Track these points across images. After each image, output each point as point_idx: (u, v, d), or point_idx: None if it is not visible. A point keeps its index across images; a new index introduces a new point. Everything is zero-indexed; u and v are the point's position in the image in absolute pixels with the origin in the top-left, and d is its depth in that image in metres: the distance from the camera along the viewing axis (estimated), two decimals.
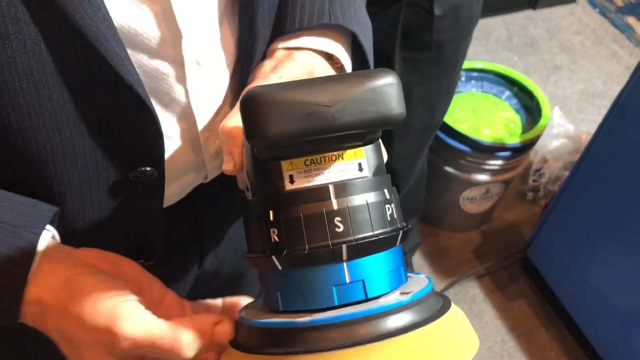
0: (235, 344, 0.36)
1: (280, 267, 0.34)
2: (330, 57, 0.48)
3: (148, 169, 0.45)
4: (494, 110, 1.66)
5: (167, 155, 0.46)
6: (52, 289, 0.37)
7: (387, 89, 0.32)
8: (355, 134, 0.33)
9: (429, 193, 1.65)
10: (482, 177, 1.63)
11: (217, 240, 0.67)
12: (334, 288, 0.34)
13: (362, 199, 0.34)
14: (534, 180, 1.96)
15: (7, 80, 0.36)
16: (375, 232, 0.34)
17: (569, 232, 1.50)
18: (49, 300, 0.37)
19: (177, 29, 0.42)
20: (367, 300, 0.34)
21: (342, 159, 0.34)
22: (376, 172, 0.36)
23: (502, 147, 1.54)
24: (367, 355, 0.31)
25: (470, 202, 1.72)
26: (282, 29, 0.47)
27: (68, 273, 0.38)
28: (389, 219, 0.35)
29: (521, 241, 1.82)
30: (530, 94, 1.66)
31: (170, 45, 0.43)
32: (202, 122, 0.48)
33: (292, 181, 0.34)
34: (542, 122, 1.59)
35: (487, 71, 1.71)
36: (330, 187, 0.34)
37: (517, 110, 1.68)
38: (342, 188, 0.34)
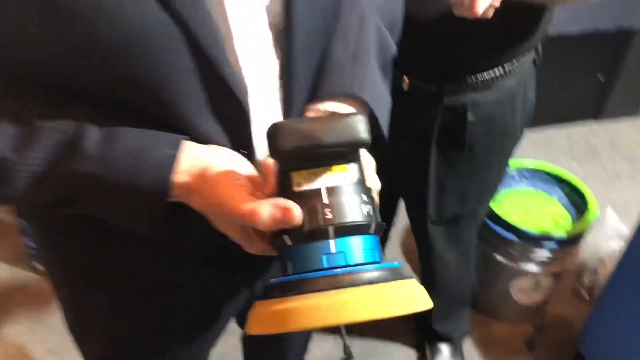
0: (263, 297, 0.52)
1: (289, 243, 0.52)
2: None
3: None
4: (544, 205, 1.77)
5: None
6: (192, 175, 0.55)
7: (357, 123, 0.51)
8: (339, 153, 0.52)
9: (481, 281, 1.74)
10: (531, 268, 1.71)
11: (268, 267, 0.82)
12: (323, 256, 0.51)
13: (345, 197, 0.52)
14: (590, 280, 2.00)
15: (171, 75, 0.54)
16: (353, 220, 0.51)
17: (621, 328, 1.54)
18: (190, 183, 0.55)
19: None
20: (347, 266, 0.51)
21: (332, 171, 0.52)
22: (357, 182, 0.53)
23: (548, 238, 1.63)
24: (342, 294, 0.47)
25: (521, 292, 1.79)
26: (315, 95, 0.66)
27: (205, 162, 0.56)
28: (365, 213, 0.52)
29: (574, 336, 1.84)
30: (579, 193, 1.77)
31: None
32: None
33: (299, 185, 0.52)
34: (588, 217, 1.68)
35: (538, 170, 1.83)
36: (323, 189, 0.52)
37: (566, 207, 1.78)
38: (332, 190, 0.52)
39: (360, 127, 0.50)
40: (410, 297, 0.49)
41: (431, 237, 1.40)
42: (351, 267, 0.50)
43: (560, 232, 1.65)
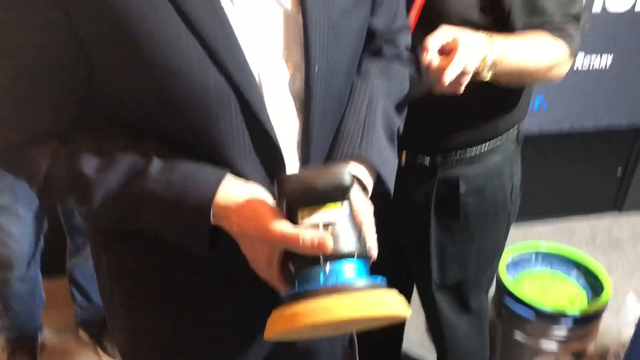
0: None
1: (292, 270, 0.69)
2: (356, 177, 0.81)
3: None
4: (560, 285, 1.86)
5: None
6: (233, 198, 0.70)
7: (342, 172, 0.68)
8: (331, 194, 0.68)
9: None
10: (550, 346, 1.77)
11: None
12: (321, 274, 0.67)
13: (337, 229, 0.68)
14: None
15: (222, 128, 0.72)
16: (343, 249, 0.68)
17: None
18: (230, 205, 0.70)
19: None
20: (338, 281, 0.67)
21: (327, 208, 0.69)
22: (347, 218, 0.70)
23: (564, 315, 1.71)
24: (333, 298, 0.63)
25: None
26: (329, 157, 0.82)
27: (244, 192, 0.71)
28: (352, 242, 0.69)
29: None
30: (594, 274, 1.86)
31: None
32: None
33: (302, 219, 0.69)
34: (602, 298, 1.76)
35: (554, 253, 1.94)
36: (320, 223, 0.68)
37: (582, 287, 1.86)
38: (327, 224, 0.68)
39: (344, 176, 0.68)
40: (389, 302, 0.65)
41: (437, 302, 1.49)
42: (341, 282, 0.67)
43: (576, 310, 1.72)
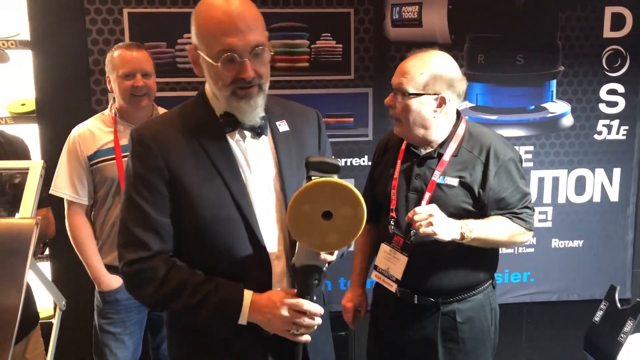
0: None
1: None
2: None
3: None
4: None
5: None
6: (257, 302, 1.32)
7: (338, 162, 1.26)
8: (331, 169, 1.22)
9: None
10: None
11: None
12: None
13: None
14: None
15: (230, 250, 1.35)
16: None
17: None
18: (255, 303, 1.32)
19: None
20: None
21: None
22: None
23: None
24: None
25: None
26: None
27: (265, 295, 1.33)
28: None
29: None
30: None
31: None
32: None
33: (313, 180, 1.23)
34: None
35: None
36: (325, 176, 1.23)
37: None
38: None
39: (338, 163, 1.22)
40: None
41: None
42: None
43: None
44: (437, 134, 1.83)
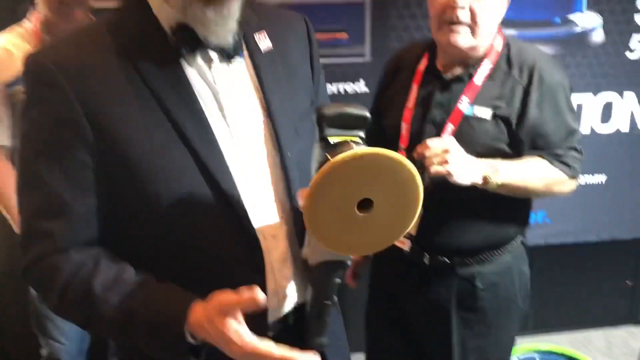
0: None
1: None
2: None
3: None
4: None
5: None
6: (201, 317, 0.84)
7: (365, 109, 0.85)
8: (354, 123, 0.83)
9: None
10: None
11: None
12: None
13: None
14: None
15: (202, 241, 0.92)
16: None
17: None
18: (202, 321, 0.83)
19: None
20: None
21: (349, 138, 0.83)
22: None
23: None
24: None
25: None
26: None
27: (208, 308, 0.83)
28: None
29: None
30: None
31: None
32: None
33: (332, 140, 0.83)
34: None
35: (554, 352, 2.06)
36: (348, 139, 0.83)
37: None
38: (352, 141, 0.82)
39: (366, 110, 0.84)
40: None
41: None
42: None
43: None
44: (484, 47, 1.41)
